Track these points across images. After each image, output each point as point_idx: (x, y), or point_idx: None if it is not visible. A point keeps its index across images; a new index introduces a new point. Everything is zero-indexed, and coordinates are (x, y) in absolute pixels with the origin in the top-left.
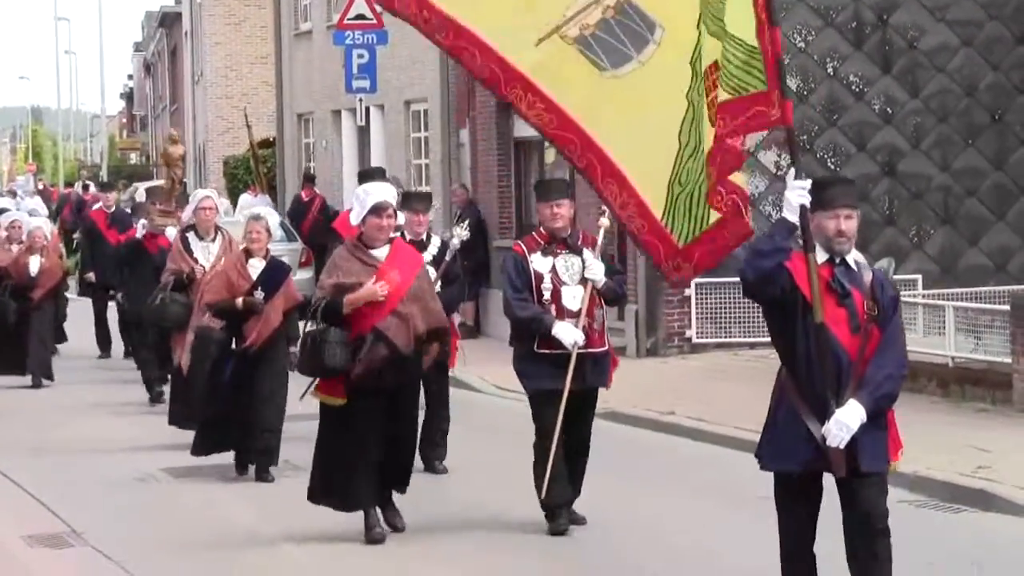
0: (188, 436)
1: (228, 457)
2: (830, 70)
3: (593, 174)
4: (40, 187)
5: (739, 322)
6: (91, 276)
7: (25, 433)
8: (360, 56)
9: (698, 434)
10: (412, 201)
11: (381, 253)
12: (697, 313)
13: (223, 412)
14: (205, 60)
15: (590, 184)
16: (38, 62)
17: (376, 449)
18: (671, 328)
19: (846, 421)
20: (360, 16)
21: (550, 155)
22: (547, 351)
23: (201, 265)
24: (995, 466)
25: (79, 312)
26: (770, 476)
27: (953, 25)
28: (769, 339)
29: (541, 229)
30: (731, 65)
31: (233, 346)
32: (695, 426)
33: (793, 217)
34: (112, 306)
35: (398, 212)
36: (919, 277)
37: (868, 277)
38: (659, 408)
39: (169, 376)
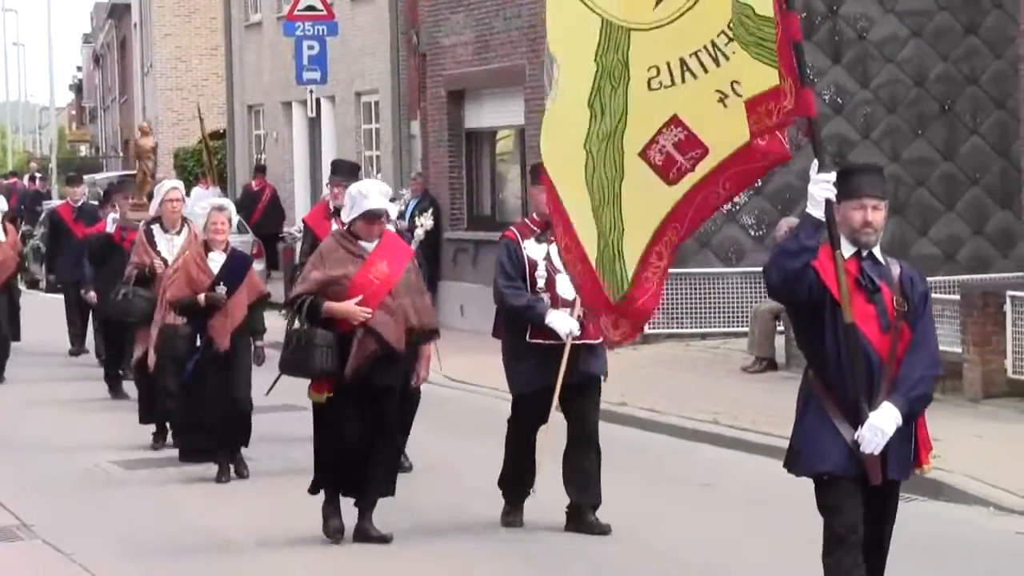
0: (140, 429)
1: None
2: None
3: (553, 216)
4: None
5: (690, 313)
6: (51, 277)
7: None
8: (310, 47)
9: (650, 424)
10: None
11: (370, 244)
12: None
13: (198, 414)
14: (155, 52)
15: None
16: None
17: (351, 449)
18: None
19: (881, 425)
20: (310, 7)
21: (504, 145)
22: (540, 341)
23: (163, 259)
24: (945, 455)
25: (37, 307)
26: (716, 462)
27: (903, 16)
28: (720, 328)
29: (534, 215)
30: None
31: (198, 342)
32: (647, 416)
33: (818, 212)
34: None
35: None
36: None
37: (896, 271)
38: (611, 399)
39: (130, 373)
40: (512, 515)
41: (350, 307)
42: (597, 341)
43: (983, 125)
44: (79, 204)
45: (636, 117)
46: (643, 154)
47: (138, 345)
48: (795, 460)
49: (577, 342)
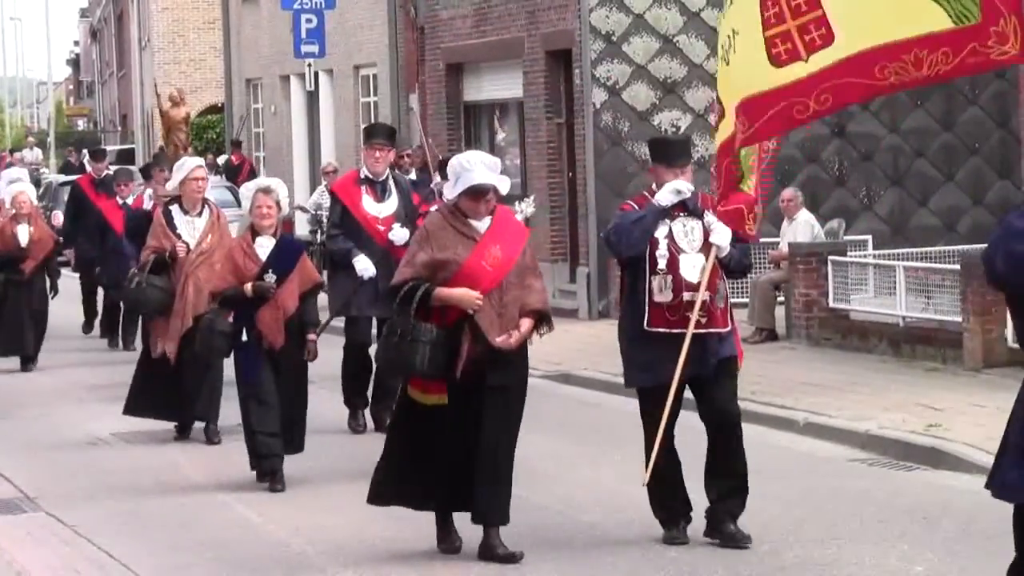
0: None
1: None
2: None
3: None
4: None
5: None
6: (70, 253)
7: None
8: (308, 21)
9: None
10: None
11: (481, 224)
12: None
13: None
14: (152, 25)
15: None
16: None
17: (453, 452)
18: None
19: None
20: None
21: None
22: (662, 330)
23: (185, 242)
24: (946, 424)
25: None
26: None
27: None
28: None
29: (653, 187)
30: None
31: (243, 338)
32: None
33: None
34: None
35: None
36: (869, 237)
37: None
38: (611, 369)
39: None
40: (672, 531)
41: (464, 293)
42: (725, 330)
43: (982, 95)
44: (101, 177)
45: None
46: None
47: (155, 338)
48: (1009, 481)
49: (703, 331)
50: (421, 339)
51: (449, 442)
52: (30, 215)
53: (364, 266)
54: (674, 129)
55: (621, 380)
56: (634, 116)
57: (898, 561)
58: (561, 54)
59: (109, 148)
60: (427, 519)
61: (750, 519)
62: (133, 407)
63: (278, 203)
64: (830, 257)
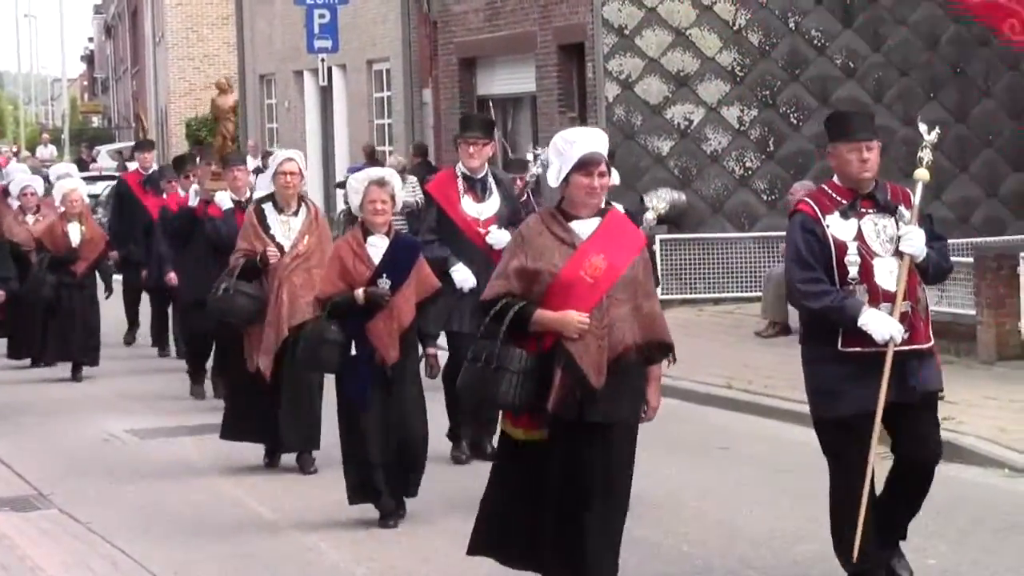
0: (160, 401)
1: (197, 419)
2: (791, 25)
3: None
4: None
5: (703, 278)
6: (114, 255)
7: None
8: (321, 16)
9: (663, 389)
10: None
11: (585, 227)
12: (662, 269)
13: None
14: (166, 22)
15: None
16: None
17: (552, 500)
18: None
19: None
20: None
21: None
22: (857, 349)
23: (279, 244)
24: (960, 417)
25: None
26: (731, 426)
27: None
28: (733, 294)
29: (835, 180)
30: None
31: (352, 351)
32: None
33: None
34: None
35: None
36: None
37: None
38: None
39: (223, 377)
40: None
41: (566, 319)
42: (927, 346)
43: (995, 87)
44: (149, 172)
45: None
46: None
47: (251, 352)
48: None
49: (903, 348)
50: (508, 367)
51: (551, 489)
52: (81, 213)
53: (463, 277)
54: (687, 123)
55: None
56: (647, 110)
57: (911, 554)
58: (573, 48)
59: (123, 145)
60: (453, 515)
61: (765, 512)
62: (230, 431)
63: (393, 197)
64: None
